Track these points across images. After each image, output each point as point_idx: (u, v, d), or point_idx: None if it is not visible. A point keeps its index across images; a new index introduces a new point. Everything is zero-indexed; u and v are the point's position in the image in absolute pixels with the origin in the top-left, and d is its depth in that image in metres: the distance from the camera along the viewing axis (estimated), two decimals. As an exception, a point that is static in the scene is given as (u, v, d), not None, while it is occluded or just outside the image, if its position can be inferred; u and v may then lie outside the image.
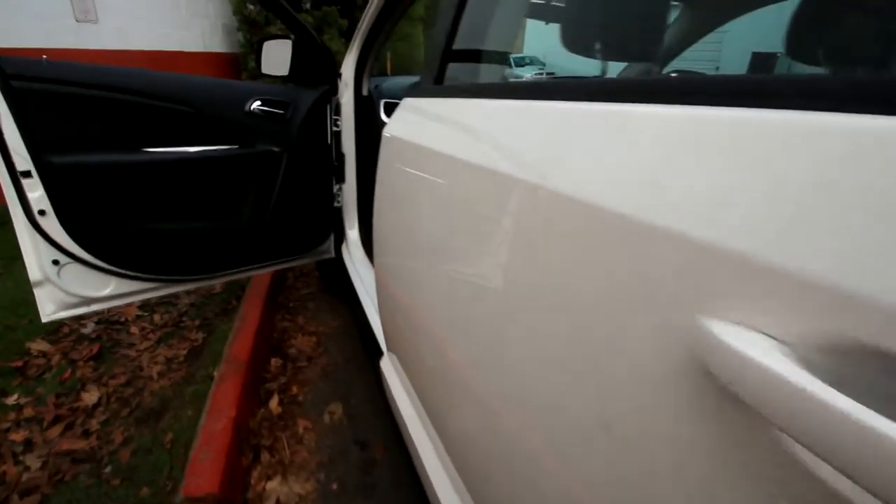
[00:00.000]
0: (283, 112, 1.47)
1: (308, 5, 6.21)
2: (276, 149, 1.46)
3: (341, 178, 1.77)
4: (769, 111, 0.28)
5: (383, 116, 1.76)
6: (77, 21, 3.44)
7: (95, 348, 1.73)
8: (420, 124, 0.83)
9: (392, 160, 0.90)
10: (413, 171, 0.80)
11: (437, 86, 0.87)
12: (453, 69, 0.86)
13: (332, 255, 1.88)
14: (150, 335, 1.85)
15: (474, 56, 0.86)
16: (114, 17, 3.63)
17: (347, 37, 6.20)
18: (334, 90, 1.63)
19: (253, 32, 5.26)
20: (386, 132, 0.93)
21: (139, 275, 1.33)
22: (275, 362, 1.75)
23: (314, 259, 1.81)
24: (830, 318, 0.22)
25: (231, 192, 1.42)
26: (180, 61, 4.46)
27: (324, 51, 1.55)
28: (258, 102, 1.42)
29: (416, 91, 0.93)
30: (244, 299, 2.00)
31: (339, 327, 2.03)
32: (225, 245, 1.45)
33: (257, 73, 1.57)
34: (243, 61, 5.21)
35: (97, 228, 1.24)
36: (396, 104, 1.84)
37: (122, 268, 1.30)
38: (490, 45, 0.82)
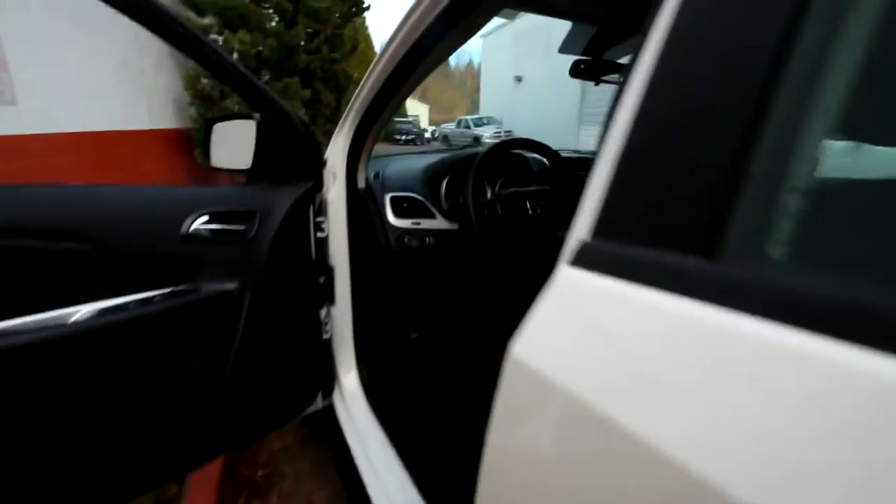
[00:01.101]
0: (243, 228, 0.96)
1: (267, 76, 5.92)
2: (231, 286, 0.93)
3: (329, 300, 1.25)
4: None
5: (391, 216, 1.28)
6: (-13, 103, 2.88)
7: None
8: (595, 346, 0.35)
9: (534, 412, 0.41)
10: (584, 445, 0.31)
11: (624, 245, 0.39)
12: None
13: (319, 406, 1.32)
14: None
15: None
16: (38, 97, 3.09)
17: (310, 108, 5.88)
18: (318, 185, 1.15)
19: (207, 107, 4.84)
20: (518, 353, 0.42)
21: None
22: None
23: (292, 425, 1.24)
24: None
25: (156, 369, 0.87)
26: (122, 142, 3.93)
27: (304, 132, 1.08)
28: (204, 218, 0.90)
29: (584, 253, 0.43)
30: (189, 481, 1.38)
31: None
32: (143, 450, 0.88)
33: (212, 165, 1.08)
34: (196, 136, 4.74)
35: None
36: (408, 199, 1.33)
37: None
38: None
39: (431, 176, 1.32)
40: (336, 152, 1.20)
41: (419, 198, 1.27)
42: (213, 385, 0.95)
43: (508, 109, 15.87)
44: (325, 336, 1.27)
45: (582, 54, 1.34)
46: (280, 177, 1.08)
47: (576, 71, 1.32)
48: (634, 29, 1.30)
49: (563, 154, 1.36)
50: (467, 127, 15.83)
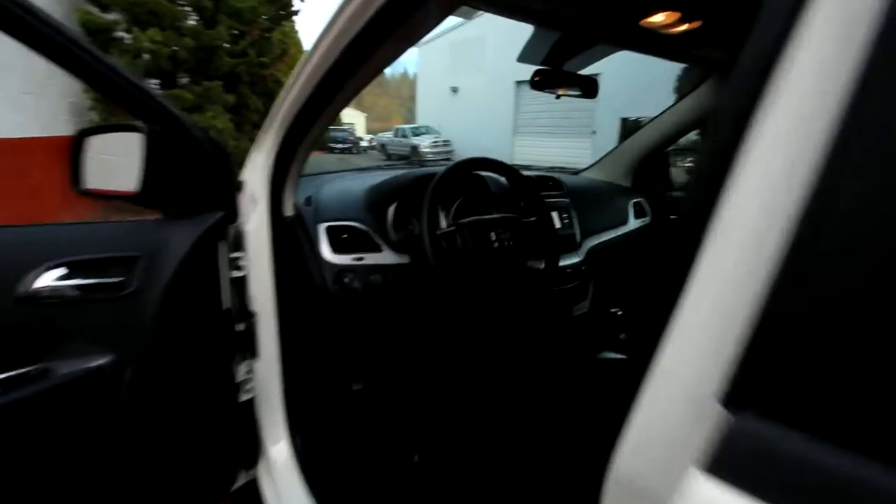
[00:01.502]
0: (120, 280, 0.70)
1: (185, 80, 5.40)
2: (102, 361, 0.68)
3: (250, 352, 1.02)
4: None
5: (326, 252, 1.06)
6: None
7: None
8: None
9: None
10: None
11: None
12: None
13: (241, 483, 1.07)
14: None
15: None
16: None
17: (235, 113, 5.43)
18: (232, 214, 0.92)
19: (111, 111, 4.28)
20: None
21: None
22: None
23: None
24: None
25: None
26: (5, 152, 3.34)
27: (212, 149, 0.85)
28: (59, 273, 0.64)
29: (731, 449, 0.23)
30: None
31: None
32: None
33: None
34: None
35: None
36: (349, 230, 1.07)
37: None
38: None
39: (376, 200, 1.12)
40: (256, 173, 0.97)
41: (362, 227, 1.07)
42: (86, 494, 0.68)
43: (445, 119, 15.96)
44: (246, 397, 1.03)
45: (542, 64, 1.21)
46: (179, 206, 0.83)
47: (535, 82, 1.19)
48: (602, 37, 1.21)
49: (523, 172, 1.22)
50: (405, 136, 15.66)
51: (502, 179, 1.23)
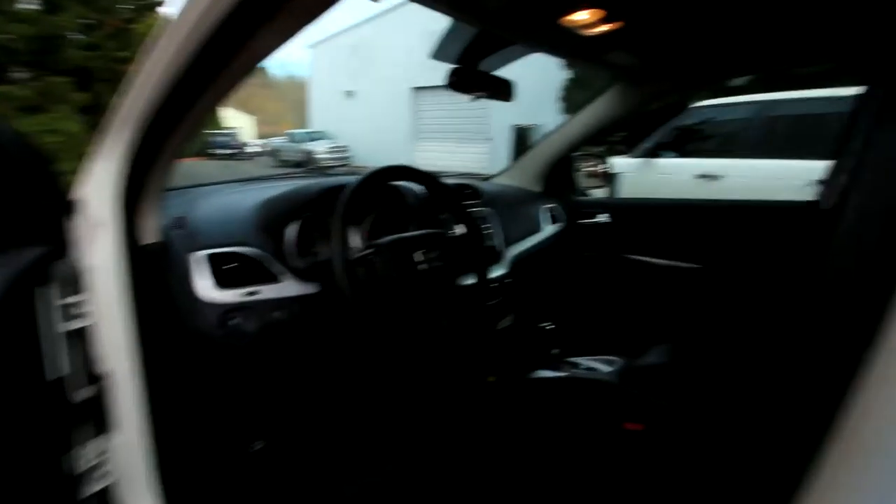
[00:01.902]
0: None
1: (22, 73, 4.48)
2: None
3: (99, 426, 0.77)
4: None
5: (205, 288, 0.83)
6: None
7: None
8: None
9: None
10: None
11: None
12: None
13: None
14: None
15: None
16: None
17: (90, 114, 4.59)
18: (60, 247, 0.68)
19: None
20: None
21: None
22: None
23: None
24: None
25: None
26: None
27: (23, 157, 0.61)
28: None
29: None
30: None
31: None
32: None
33: None
34: None
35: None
36: (237, 257, 0.83)
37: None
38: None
39: (271, 219, 0.90)
40: (99, 188, 0.72)
41: (254, 253, 0.86)
42: None
43: (340, 124, 15.45)
44: (99, 486, 0.77)
45: (456, 62, 1.11)
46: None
47: (452, 82, 1.09)
48: (519, 34, 1.14)
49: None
50: (299, 141, 14.84)
51: (419, 189, 1.10)
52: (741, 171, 3.65)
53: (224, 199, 1.01)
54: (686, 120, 4.12)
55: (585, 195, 1.72)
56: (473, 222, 1.03)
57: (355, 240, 0.96)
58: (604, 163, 1.73)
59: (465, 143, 12.10)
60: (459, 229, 1.07)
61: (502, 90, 1.19)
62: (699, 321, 1.36)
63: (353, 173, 1.36)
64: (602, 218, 1.61)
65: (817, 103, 3.43)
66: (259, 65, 0.68)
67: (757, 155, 3.68)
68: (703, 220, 1.49)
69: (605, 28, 0.90)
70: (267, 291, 0.85)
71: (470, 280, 1.02)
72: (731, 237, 1.40)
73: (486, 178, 1.80)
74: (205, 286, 0.81)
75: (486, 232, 1.23)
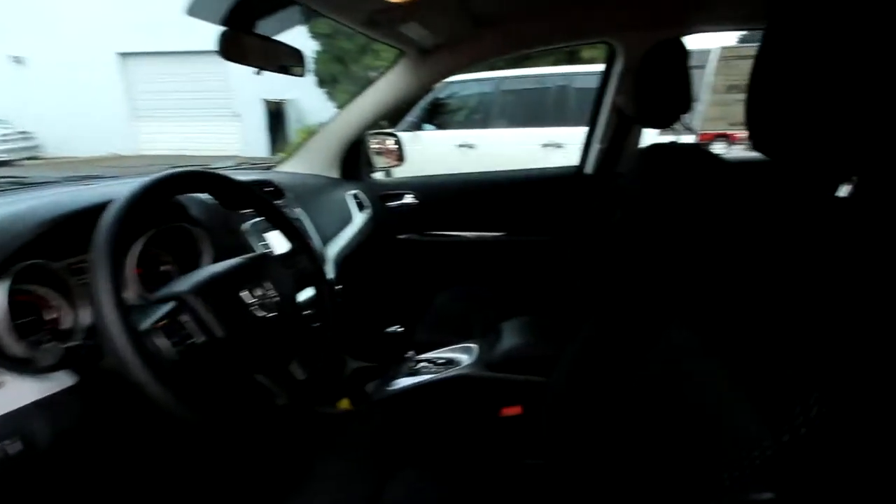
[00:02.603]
0: None
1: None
2: None
3: None
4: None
5: None
6: None
7: None
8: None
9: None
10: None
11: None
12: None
13: None
14: None
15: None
16: None
17: None
18: None
19: None
20: None
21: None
22: None
23: None
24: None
25: None
26: None
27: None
28: None
29: None
30: None
31: None
32: None
33: None
34: None
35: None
36: None
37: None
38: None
39: None
40: None
41: None
42: None
43: (7, 102, 11.17)
44: None
45: (223, 24, 0.84)
46: None
47: (223, 49, 0.82)
48: None
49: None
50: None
51: (206, 198, 0.80)
52: (489, 140, 4.20)
53: None
54: (439, 94, 4.44)
55: (388, 175, 1.63)
56: (296, 230, 0.80)
57: (131, 292, 0.63)
58: (394, 139, 1.66)
59: (209, 121, 10.38)
60: (278, 242, 0.84)
61: (292, 61, 0.97)
62: (531, 289, 1.45)
63: (71, 179, 0.94)
64: (409, 198, 1.57)
65: (540, 79, 4.19)
66: None
67: (499, 125, 4.30)
68: (497, 192, 1.60)
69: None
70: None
71: (307, 302, 0.81)
72: (524, 204, 1.54)
73: (268, 168, 1.53)
74: None
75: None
